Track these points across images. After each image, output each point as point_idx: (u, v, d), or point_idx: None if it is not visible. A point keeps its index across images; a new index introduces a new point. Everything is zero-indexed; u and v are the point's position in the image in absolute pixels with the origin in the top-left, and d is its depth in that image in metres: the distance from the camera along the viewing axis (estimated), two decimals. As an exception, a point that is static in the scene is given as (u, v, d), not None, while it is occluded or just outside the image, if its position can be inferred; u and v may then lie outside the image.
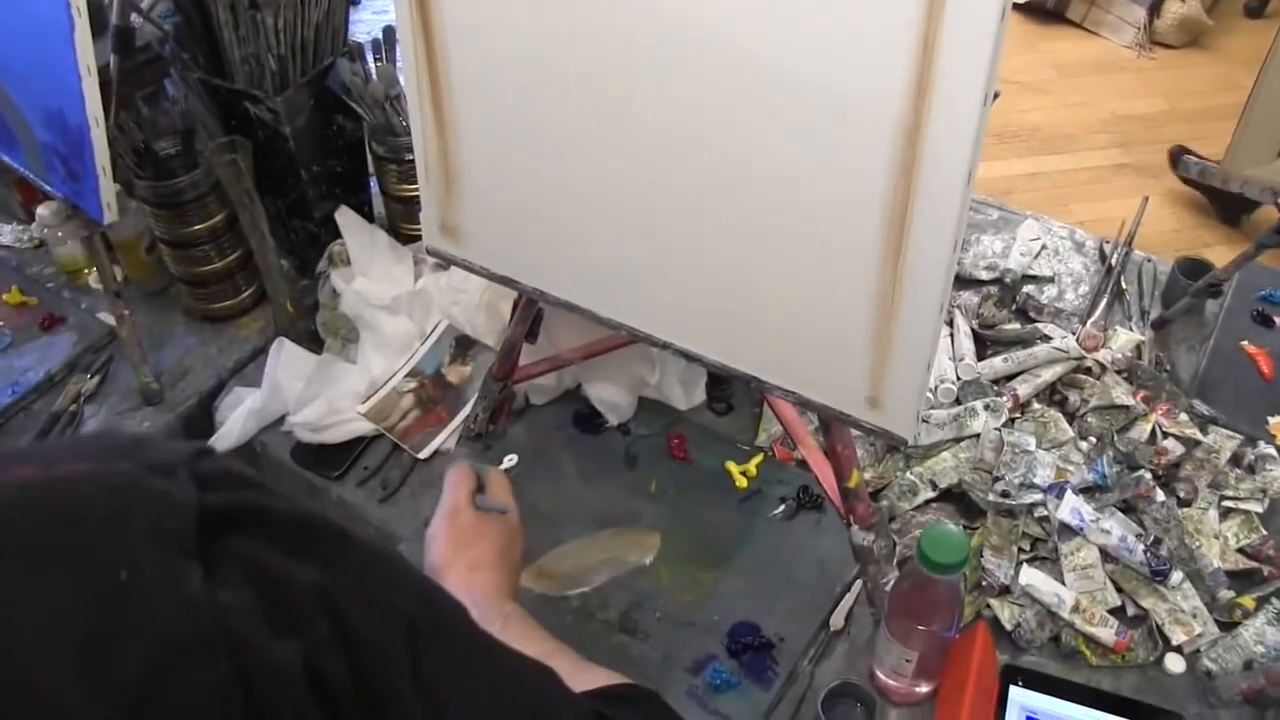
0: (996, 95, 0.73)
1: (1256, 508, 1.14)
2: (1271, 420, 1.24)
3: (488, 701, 0.44)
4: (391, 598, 0.40)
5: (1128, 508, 1.13)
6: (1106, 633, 1.04)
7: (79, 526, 0.34)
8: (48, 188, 1.22)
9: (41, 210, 1.46)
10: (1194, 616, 1.05)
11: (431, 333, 1.38)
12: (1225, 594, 1.06)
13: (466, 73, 0.94)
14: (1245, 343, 1.35)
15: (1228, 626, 1.05)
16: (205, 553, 0.35)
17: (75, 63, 1.05)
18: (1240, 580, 1.09)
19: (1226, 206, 2.65)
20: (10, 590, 0.32)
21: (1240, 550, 1.11)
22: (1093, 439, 1.20)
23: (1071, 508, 1.09)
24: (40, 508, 0.35)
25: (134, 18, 1.35)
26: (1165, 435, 1.20)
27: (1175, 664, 1.03)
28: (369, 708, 0.36)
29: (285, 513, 0.39)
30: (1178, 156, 1.33)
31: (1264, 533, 1.12)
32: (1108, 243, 1.50)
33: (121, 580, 0.33)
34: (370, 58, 1.40)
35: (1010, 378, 1.29)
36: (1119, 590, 1.08)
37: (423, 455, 1.27)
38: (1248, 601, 1.06)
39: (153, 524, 0.35)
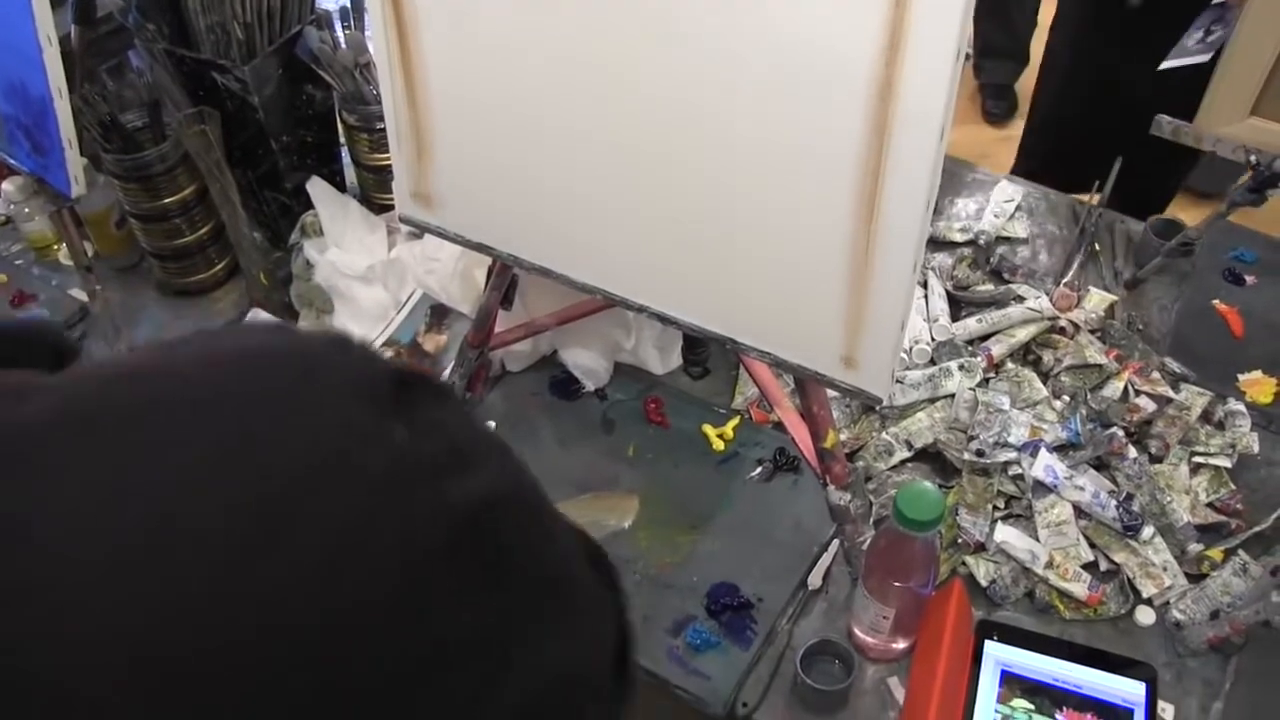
0: (968, 56, 0.73)
1: (1225, 463, 1.16)
2: (1241, 377, 1.26)
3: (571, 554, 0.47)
4: (512, 455, 0.44)
5: (1100, 464, 1.14)
6: (1079, 587, 1.05)
7: (295, 383, 0.36)
8: (12, 162, 1.21)
9: (7, 185, 1.45)
10: (1164, 569, 1.07)
11: (406, 302, 1.37)
12: (1194, 547, 1.08)
13: (437, 38, 0.93)
14: (1216, 301, 1.36)
15: (1196, 578, 1.07)
16: (400, 411, 0.37)
17: (35, 33, 1.03)
18: (1209, 533, 1.11)
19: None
20: (238, 432, 0.34)
21: (1209, 504, 1.13)
22: (1066, 398, 1.21)
23: (1045, 465, 1.10)
24: (257, 368, 0.37)
25: (96, -13, 1.33)
26: (1137, 393, 1.21)
27: (1145, 616, 1.05)
28: (525, 557, 0.39)
29: (434, 376, 0.41)
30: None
31: (1232, 487, 1.14)
32: (1081, 204, 1.50)
33: (337, 427, 0.35)
34: (339, 25, 1.39)
35: (984, 338, 1.29)
36: (1091, 545, 1.09)
37: (400, 425, 1.26)
38: (1216, 554, 1.07)
39: (357, 383, 0.37)
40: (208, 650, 0.30)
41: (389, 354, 1.27)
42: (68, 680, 0.30)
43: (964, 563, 1.09)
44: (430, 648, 0.34)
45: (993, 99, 3.17)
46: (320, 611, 0.32)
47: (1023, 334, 1.28)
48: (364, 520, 0.34)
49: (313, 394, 0.36)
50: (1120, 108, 1.43)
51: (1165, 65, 1.37)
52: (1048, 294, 1.34)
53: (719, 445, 1.22)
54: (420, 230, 1.09)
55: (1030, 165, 1.89)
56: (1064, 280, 1.37)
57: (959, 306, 1.36)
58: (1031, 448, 1.12)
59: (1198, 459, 1.16)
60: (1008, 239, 1.47)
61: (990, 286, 1.38)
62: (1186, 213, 1.49)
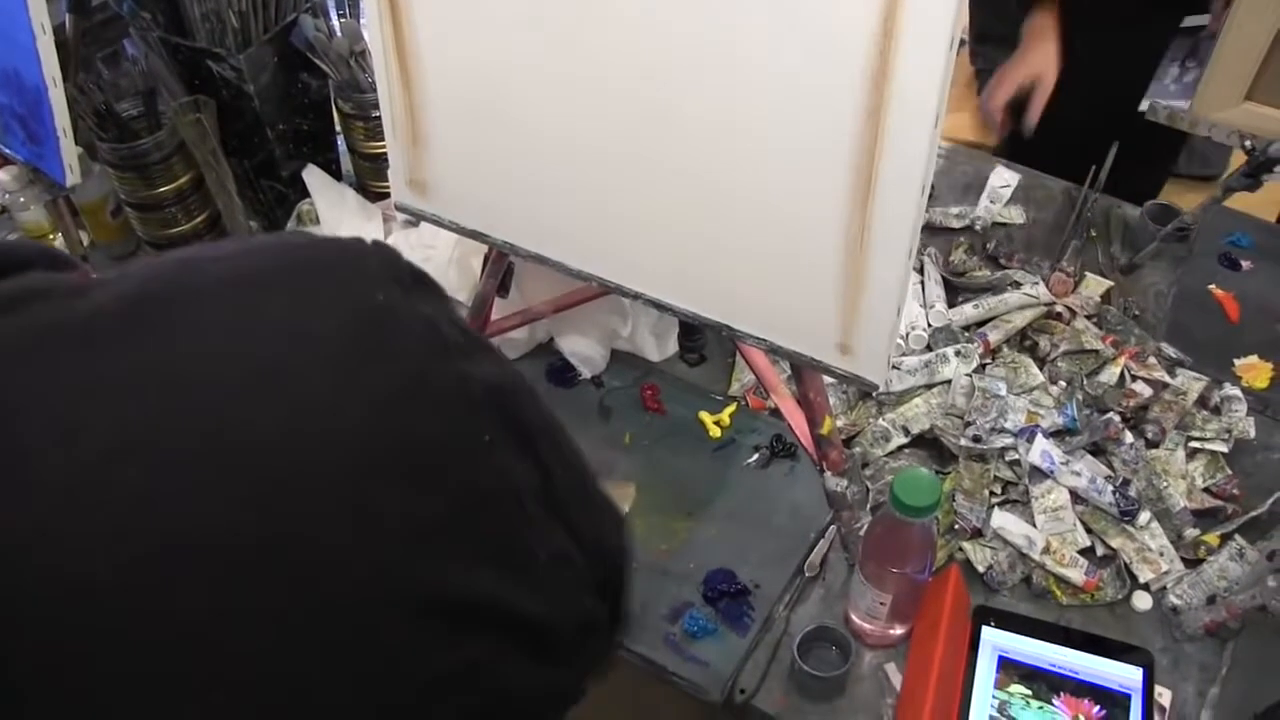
0: (963, 43, 0.73)
1: (1221, 448, 1.16)
2: (1237, 362, 1.26)
3: (594, 489, 0.51)
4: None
5: (1097, 450, 1.15)
6: (1076, 573, 1.05)
7: (333, 267, 0.40)
8: (8, 151, 1.20)
9: (2, 175, 1.44)
10: (1161, 555, 1.07)
11: (403, 291, 1.37)
12: (1191, 532, 1.08)
13: (431, 26, 0.93)
14: (1212, 286, 1.36)
15: (1193, 563, 1.07)
16: (422, 296, 0.41)
17: (28, 21, 1.03)
18: (1205, 518, 1.11)
19: None
20: (293, 307, 0.37)
21: (1206, 489, 1.13)
22: (1062, 383, 1.22)
23: (1042, 451, 1.11)
24: (294, 255, 0.40)
25: (90, -25, 1.33)
26: (1134, 378, 1.21)
27: (1142, 601, 1.05)
28: (536, 426, 0.43)
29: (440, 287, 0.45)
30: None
31: (1228, 472, 1.14)
32: (1077, 189, 1.50)
33: (380, 300, 0.38)
34: (334, 13, 1.38)
35: (981, 324, 1.30)
36: (1088, 531, 1.09)
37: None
38: (1212, 539, 1.08)
39: (386, 267, 0.40)
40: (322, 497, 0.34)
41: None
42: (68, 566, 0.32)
43: (961, 549, 1.09)
44: (462, 490, 0.38)
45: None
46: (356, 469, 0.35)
47: (1019, 320, 1.28)
48: (419, 370, 0.37)
49: (351, 274, 0.39)
50: (1105, 98, 1.44)
51: (1145, 107, 1.38)
52: (1044, 279, 1.34)
53: (715, 432, 1.22)
54: (416, 218, 1.09)
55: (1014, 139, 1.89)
56: (1060, 265, 1.37)
57: (955, 292, 1.36)
58: (1028, 433, 1.13)
59: (1194, 444, 1.17)
60: (1004, 224, 1.47)
61: (986, 272, 1.38)
62: (1182, 198, 1.49)
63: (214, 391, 0.34)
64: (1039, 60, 1.48)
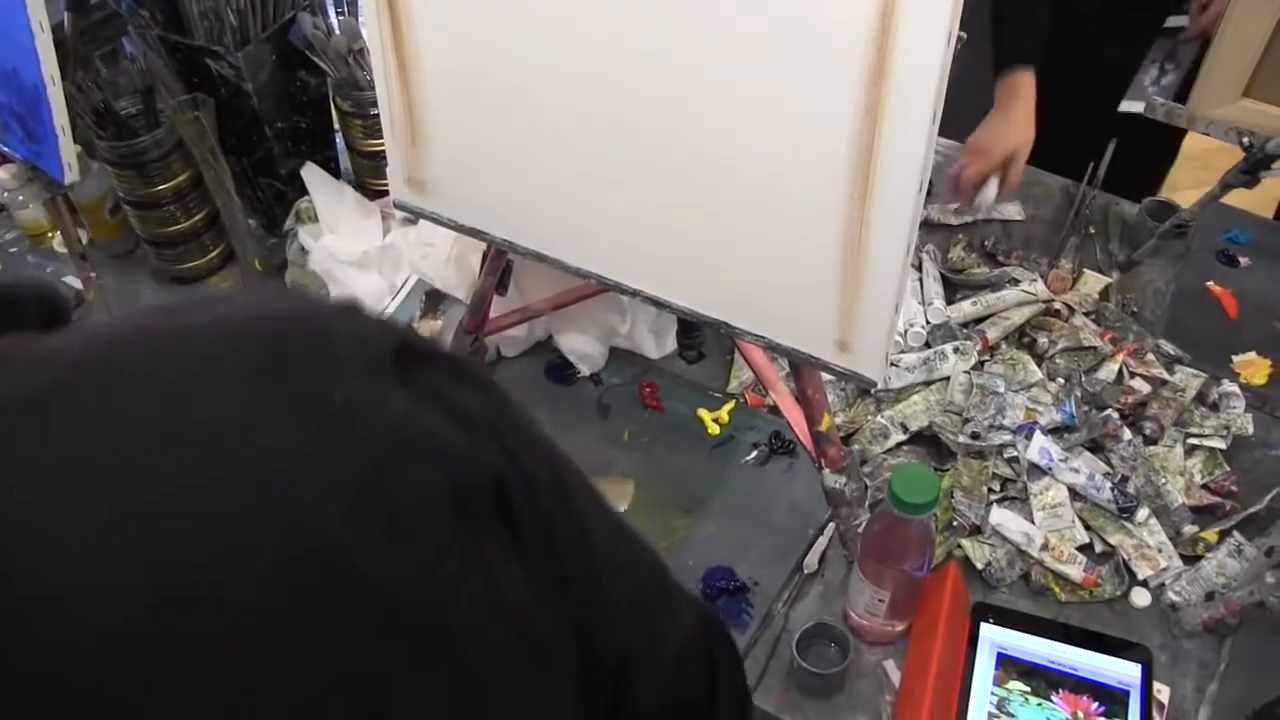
0: (961, 39, 0.73)
1: (1220, 444, 1.16)
2: (1235, 358, 1.26)
3: (616, 534, 0.49)
4: (536, 434, 0.45)
5: (1095, 447, 1.15)
6: (1075, 569, 1.05)
7: (295, 354, 0.38)
8: (6, 149, 1.20)
9: (1, 173, 1.44)
10: (1159, 551, 1.07)
11: (401, 288, 1.37)
12: (1189, 529, 1.08)
13: (429, 24, 0.93)
14: (1211, 283, 1.36)
15: (1191, 560, 1.08)
16: (402, 381, 0.39)
17: (27, 19, 1.03)
18: (1204, 515, 1.11)
19: None
20: (239, 406, 0.35)
21: (1204, 486, 1.13)
22: (1061, 380, 1.22)
23: (1040, 448, 1.11)
24: (258, 338, 0.38)
25: (88, -27, 1.33)
26: (1132, 375, 1.21)
27: (1141, 598, 1.06)
28: (536, 519, 0.41)
29: (447, 352, 0.44)
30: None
31: (1227, 468, 1.14)
32: (1075, 186, 1.50)
33: (337, 402, 0.36)
34: (332, 11, 1.38)
35: (979, 321, 1.30)
36: (1087, 528, 1.09)
37: (396, 411, 1.26)
38: (1210, 535, 1.08)
39: (357, 353, 0.38)
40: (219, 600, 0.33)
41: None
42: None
43: (959, 546, 1.09)
44: (420, 630, 0.36)
45: None
46: (324, 569, 0.34)
47: (1017, 316, 1.28)
48: (370, 485, 0.35)
49: (314, 366, 0.37)
50: (1090, 97, 1.44)
51: (1123, 108, 1.38)
52: (1042, 276, 1.34)
53: (714, 429, 1.22)
54: (414, 216, 1.09)
55: None
56: (1059, 262, 1.37)
57: (954, 289, 1.36)
58: (1026, 430, 1.13)
59: (1192, 441, 1.17)
60: (1003, 221, 1.47)
61: (985, 269, 1.38)
62: (1180, 195, 1.49)
63: (169, 450, 0.34)
64: (1020, 131, 1.39)
